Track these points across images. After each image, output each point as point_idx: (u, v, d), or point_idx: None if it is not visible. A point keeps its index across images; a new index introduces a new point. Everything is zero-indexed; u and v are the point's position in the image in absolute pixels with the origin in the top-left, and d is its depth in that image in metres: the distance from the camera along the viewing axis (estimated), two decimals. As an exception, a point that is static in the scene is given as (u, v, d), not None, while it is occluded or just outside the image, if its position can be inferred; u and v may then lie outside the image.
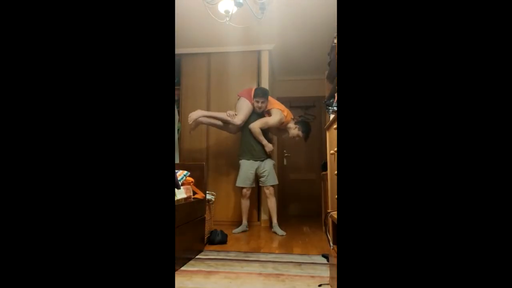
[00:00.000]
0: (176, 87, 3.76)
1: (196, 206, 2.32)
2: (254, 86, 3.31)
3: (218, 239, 2.60)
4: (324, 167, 3.09)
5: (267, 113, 3.23)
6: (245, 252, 2.31)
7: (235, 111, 3.19)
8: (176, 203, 1.96)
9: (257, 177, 3.21)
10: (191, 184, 2.42)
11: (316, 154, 4.80)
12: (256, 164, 3.15)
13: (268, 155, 3.21)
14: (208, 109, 3.75)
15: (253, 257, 2.16)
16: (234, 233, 3.05)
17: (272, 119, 3.15)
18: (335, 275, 1.17)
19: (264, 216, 3.58)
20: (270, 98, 3.25)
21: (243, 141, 3.22)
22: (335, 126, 1.59)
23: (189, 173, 2.43)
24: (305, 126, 3.28)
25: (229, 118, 3.13)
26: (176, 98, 3.78)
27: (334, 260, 1.37)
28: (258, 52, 3.78)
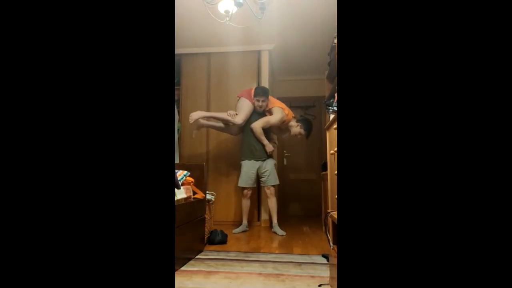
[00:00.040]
0: (176, 87, 3.76)
1: (196, 206, 2.32)
2: (254, 87, 3.30)
3: (218, 239, 2.60)
4: (324, 167, 3.09)
5: (268, 112, 3.22)
6: (245, 252, 2.31)
7: (236, 112, 3.18)
8: (176, 203, 1.96)
9: (258, 177, 3.21)
10: (191, 184, 2.42)
11: (316, 154, 4.80)
12: (257, 164, 3.14)
13: (269, 155, 3.20)
14: (208, 109, 3.75)
15: (253, 257, 2.16)
16: (234, 233, 3.05)
17: (274, 118, 3.13)
18: (335, 275, 1.17)
19: (264, 216, 3.58)
20: (270, 97, 3.25)
21: (244, 141, 3.22)
22: (335, 126, 1.59)
23: (189, 173, 2.43)
24: (307, 124, 3.27)
25: (229, 118, 3.12)
26: (176, 98, 3.78)
27: (334, 260, 1.37)
28: (258, 52, 3.78)
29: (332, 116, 1.95)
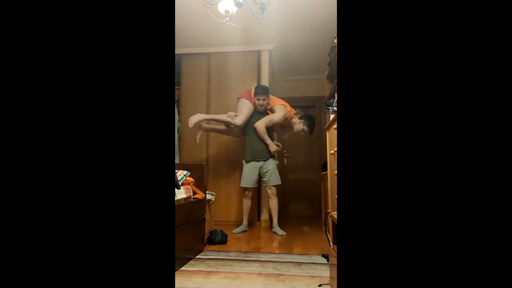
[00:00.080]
0: (176, 87, 3.76)
1: (196, 206, 2.32)
2: (254, 87, 3.30)
3: (218, 239, 2.60)
4: (324, 167, 3.08)
5: (270, 110, 3.20)
6: (245, 252, 2.31)
7: (235, 113, 3.17)
8: (176, 203, 1.96)
9: (260, 177, 3.21)
10: (191, 184, 2.42)
11: (316, 154, 4.80)
12: (258, 164, 3.14)
13: (272, 155, 3.18)
14: (208, 109, 3.75)
15: (253, 257, 2.16)
16: (234, 233, 3.05)
17: (277, 116, 3.11)
18: (335, 275, 1.17)
19: (264, 216, 3.58)
20: (271, 96, 3.24)
21: (246, 142, 3.22)
22: (335, 126, 1.59)
23: (189, 173, 2.43)
24: (310, 120, 3.25)
25: (229, 119, 3.11)
26: (176, 98, 3.78)
27: (334, 260, 1.37)
28: (258, 52, 3.78)
29: (332, 116, 1.95)
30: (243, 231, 3.12)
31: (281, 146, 3.20)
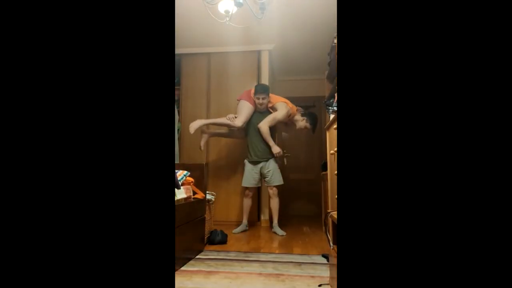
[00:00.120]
0: (176, 87, 3.76)
1: (196, 206, 2.32)
2: (253, 88, 3.30)
3: (218, 239, 2.60)
4: (324, 167, 3.08)
5: (271, 108, 3.19)
6: (245, 252, 2.31)
7: (235, 115, 3.17)
8: (176, 203, 1.96)
9: (262, 177, 3.20)
10: (191, 184, 2.42)
11: (316, 154, 4.80)
12: (260, 164, 3.13)
13: (274, 156, 3.16)
14: (208, 109, 3.75)
15: (253, 257, 2.16)
16: (234, 233, 3.05)
17: (280, 113, 3.09)
18: (335, 275, 1.17)
19: (264, 216, 3.58)
20: (271, 94, 3.23)
21: (248, 142, 3.21)
22: (335, 126, 1.59)
23: (189, 173, 2.43)
24: (313, 117, 3.23)
25: (229, 122, 3.11)
26: (176, 98, 3.78)
27: (334, 260, 1.37)
28: (258, 52, 3.78)
29: (332, 116, 1.95)
30: (243, 231, 3.12)
31: (281, 152, 3.17)
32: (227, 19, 2.37)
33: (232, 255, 2.21)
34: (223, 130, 3.41)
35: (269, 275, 1.76)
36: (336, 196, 1.48)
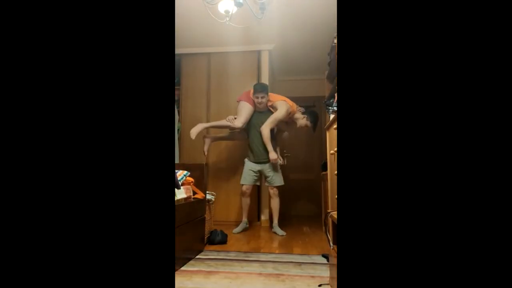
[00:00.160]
0: (176, 87, 3.76)
1: (196, 206, 2.32)
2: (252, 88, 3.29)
3: (218, 239, 2.60)
4: (324, 167, 3.08)
5: (271, 107, 3.18)
6: (245, 252, 2.31)
7: (235, 116, 3.16)
8: (176, 203, 1.96)
9: (262, 177, 3.19)
10: (191, 184, 2.42)
11: (316, 154, 4.80)
12: (259, 165, 3.12)
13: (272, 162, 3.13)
14: (208, 109, 3.75)
15: (253, 257, 2.16)
16: (234, 233, 3.04)
17: (280, 113, 3.06)
18: (335, 275, 1.17)
19: (264, 216, 3.58)
20: (270, 93, 3.22)
21: (250, 142, 3.21)
22: (335, 126, 1.59)
23: (189, 173, 2.43)
24: (313, 116, 3.20)
25: (229, 123, 3.11)
26: (176, 98, 3.78)
27: (334, 260, 1.37)
28: (258, 52, 3.78)
29: (332, 116, 1.95)
30: (244, 229, 3.11)
31: (277, 160, 3.12)
32: (227, 19, 2.37)
33: (232, 255, 2.21)
34: (225, 133, 3.41)
35: (269, 275, 1.76)
36: (336, 196, 1.48)
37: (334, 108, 2.11)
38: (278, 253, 2.29)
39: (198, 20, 3.18)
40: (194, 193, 2.42)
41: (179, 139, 3.72)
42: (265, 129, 3.03)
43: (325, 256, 2.13)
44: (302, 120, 3.18)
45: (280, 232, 3.02)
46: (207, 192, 2.72)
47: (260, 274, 1.78)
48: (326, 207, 2.68)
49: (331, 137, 1.75)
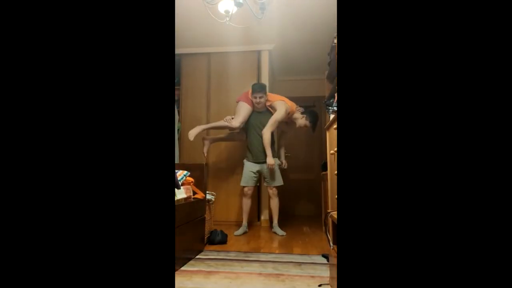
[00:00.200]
0: (176, 87, 3.76)
1: (196, 206, 2.32)
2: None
3: (218, 239, 2.60)
4: (324, 167, 3.08)
5: (270, 107, 3.17)
6: (245, 252, 2.31)
7: (232, 116, 3.16)
8: (176, 203, 1.96)
9: (261, 177, 3.19)
10: (191, 184, 2.42)
11: (316, 154, 4.80)
12: (258, 165, 3.12)
13: (275, 156, 3.12)
14: (208, 109, 3.76)
15: (253, 257, 2.16)
16: (235, 235, 3.04)
17: (279, 114, 3.05)
18: (335, 275, 1.17)
19: (264, 216, 3.58)
20: (269, 93, 3.22)
21: (248, 143, 3.21)
22: (335, 126, 1.59)
23: (189, 173, 2.43)
24: (313, 115, 3.18)
25: (226, 123, 3.11)
26: (176, 98, 3.78)
27: (334, 260, 1.37)
28: (258, 52, 3.78)
29: (332, 116, 1.95)
30: (244, 233, 3.10)
31: (274, 166, 3.09)
32: (227, 19, 2.37)
33: (232, 255, 2.21)
34: (224, 134, 3.41)
35: (269, 275, 1.76)
36: (336, 196, 1.48)
37: (334, 108, 2.11)
38: (278, 253, 2.29)
39: (198, 20, 3.18)
40: (194, 193, 2.42)
41: (179, 139, 3.73)
42: (266, 133, 3.02)
43: (325, 256, 2.13)
44: (301, 120, 3.16)
45: (280, 232, 3.02)
46: (207, 192, 2.72)
47: (260, 274, 1.78)
48: (326, 207, 2.68)
49: (331, 137, 1.75)
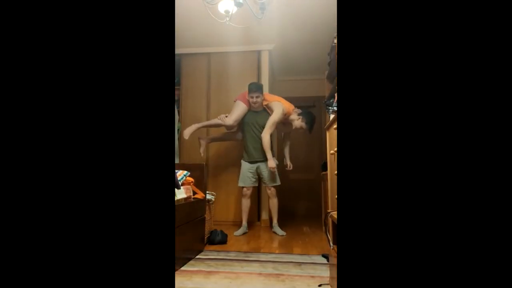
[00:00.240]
0: (176, 87, 3.76)
1: (196, 206, 2.32)
2: None
3: (218, 239, 2.60)
4: (324, 167, 3.07)
5: (266, 107, 3.17)
6: (245, 252, 2.31)
7: (226, 114, 3.17)
8: (176, 203, 1.96)
9: (259, 177, 3.20)
10: (191, 184, 2.42)
11: (316, 154, 4.80)
12: (255, 165, 3.13)
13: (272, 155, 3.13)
14: (208, 109, 3.76)
15: (253, 257, 2.16)
16: (235, 235, 3.04)
17: (276, 115, 3.05)
18: (335, 275, 1.17)
19: (264, 216, 3.58)
20: (266, 93, 3.22)
21: (244, 142, 3.22)
22: (335, 126, 1.59)
23: (189, 173, 2.43)
24: (308, 116, 3.16)
25: (220, 121, 3.11)
26: (176, 98, 3.78)
27: (334, 260, 1.37)
28: (258, 52, 3.77)
29: (332, 116, 1.95)
30: (244, 233, 3.10)
31: (275, 168, 3.09)
32: (227, 19, 2.37)
33: (232, 255, 2.21)
34: (220, 134, 3.41)
35: (269, 275, 1.76)
36: (336, 196, 1.48)
37: (334, 108, 2.11)
38: (278, 253, 2.29)
39: (198, 20, 3.18)
40: (194, 193, 2.42)
41: (179, 139, 3.73)
42: (265, 136, 3.01)
43: (325, 256, 2.13)
44: (297, 121, 3.15)
45: (280, 232, 3.02)
46: (207, 192, 2.72)
47: (260, 274, 1.78)
48: (326, 207, 2.68)
49: (331, 137, 1.75)
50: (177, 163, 3.03)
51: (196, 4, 2.84)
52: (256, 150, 3.12)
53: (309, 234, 3.10)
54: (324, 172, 3.21)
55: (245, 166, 3.15)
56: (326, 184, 2.68)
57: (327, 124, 1.92)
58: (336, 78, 2.21)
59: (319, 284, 1.60)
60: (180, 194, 2.13)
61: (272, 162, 3.02)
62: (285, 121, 3.23)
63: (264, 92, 3.21)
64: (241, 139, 3.31)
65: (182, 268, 1.89)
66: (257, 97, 3.07)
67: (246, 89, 3.29)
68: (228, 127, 3.20)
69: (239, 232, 3.06)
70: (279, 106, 3.08)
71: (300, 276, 1.74)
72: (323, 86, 3.20)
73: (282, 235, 2.97)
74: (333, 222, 1.52)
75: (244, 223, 3.16)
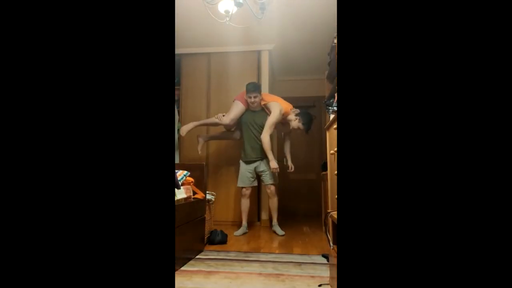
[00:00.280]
0: (176, 87, 3.76)
1: (196, 206, 2.32)
2: None
3: (218, 239, 2.60)
4: (324, 167, 3.07)
5: (264, 107, 3.18)
6: (245, 252, 2.31)
7: (223, 114, 3.17)
8: (176, 203, 1.96)
9: (258, 176, 3.20)
10: (191, 184, 2.42)
11: (316, 154, 4.80)
12: (254, 164, 3.13)
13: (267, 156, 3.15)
14: (208, 109, 3.76)
15: (253, 257, 2.16)
16: (235, 235, 3.04)
17: (274, 116, 3.05)
18: (335, 275, 1.17)
19: (264, 216, 3.58)
20: (265, 93, 3.23)
21: (242, 142, 3.22)
22: (335, 126, 1.59)
23: (189, 173, 2.43)
24: (306, 117, 3.15)
25: (217, 120, 3.11)
26: (176, 98, 3.78)
27: (334, 260, 1.37)
28: (258, 52, 3.77)
29: (332, 116, 1.95)
30: (244, 233, 3.10)
31: (277, 169, 3.10)
32: (227, 19, 2.37)
33: (232, 255, 2.21)
34: (219, 133, 3.41)
35: (269, 275, 1.76)
36: (336, 196, 1.48)
37: (334, 108, 2.11)
38: (278, 253, 2.29)
39: (198, 20, 3.18)
40: (194, 193, 2.42)
41: (179, 139, 3.72)
42: (265, 137, 3.00)
43: (325, 256, 2.13)
44: (294, 122, 3.14)
45: (279, 231, 3.02)
46: (207, 192, 2.72)
47: (260, 274, 1.78)
48: (326, 207, 2.68)
49: (331, 137, 1.75)
50: (177, 163, 3.03)
51: (196, 4, 2.84)
52: (254, 149, 3.12)
53: (309, 234, 3.10)
54: (324, 172, 3.21)
55: (244, 166, 3.15)
56: (326, 184, 2.68)
57: (327, 124, 1.92)
58: (336, 78, 2.21)
59: (319, 284, 1.60)
60: (180, 194, 2.13)
61: (274, 163, 3.02)
62: (283, 121, 3.24)
63: (262, 92, 3.22)
64: (239, 138, 3.31)
65: (182, 268, 1.89)
66: (255, 97, 3.07)
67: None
68: (226, 126, 3.21)
69: (239, 232, 3.06)
70: (277, 107, 3.08)
71: (300, 276, 1.74)
72: (323, 86, 3.20)
73: (282, 235, 2.97)
74: (333, 222, 1.52)
75: (244, 223, 3.17)
